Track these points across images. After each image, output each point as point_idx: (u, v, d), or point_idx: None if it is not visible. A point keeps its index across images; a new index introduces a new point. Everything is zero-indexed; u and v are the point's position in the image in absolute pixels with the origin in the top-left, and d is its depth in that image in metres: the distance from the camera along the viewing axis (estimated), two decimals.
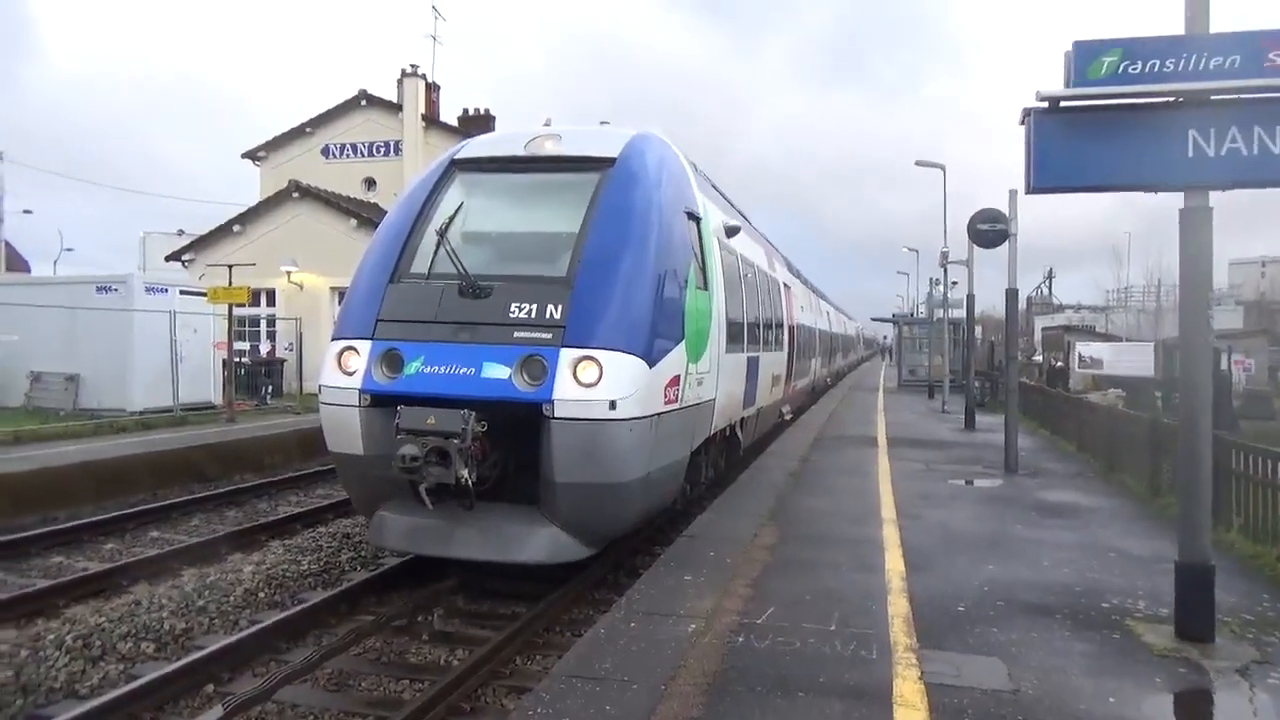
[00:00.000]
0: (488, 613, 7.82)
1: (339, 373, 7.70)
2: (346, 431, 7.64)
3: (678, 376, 7.98)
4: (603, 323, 7.27)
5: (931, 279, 33.98)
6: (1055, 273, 77.06)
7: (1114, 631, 5.70)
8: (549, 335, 7.23)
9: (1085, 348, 32.26)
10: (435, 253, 7.97)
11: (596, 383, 7.03)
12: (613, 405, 7.01)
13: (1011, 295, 13.53)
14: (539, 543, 7.29)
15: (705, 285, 9.10)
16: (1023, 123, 5.58)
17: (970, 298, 19.65)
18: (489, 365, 7.24)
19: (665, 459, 7.96)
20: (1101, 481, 12.04)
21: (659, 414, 7.58)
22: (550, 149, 8.73)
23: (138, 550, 9.90)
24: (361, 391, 7.53)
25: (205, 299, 19.50)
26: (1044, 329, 48.70)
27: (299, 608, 7.55)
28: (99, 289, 18.89)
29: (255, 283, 22.50)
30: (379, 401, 7.50)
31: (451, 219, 8.21)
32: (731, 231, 10.88)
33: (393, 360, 7.55)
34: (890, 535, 8.29)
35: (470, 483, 7.08)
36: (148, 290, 19.07)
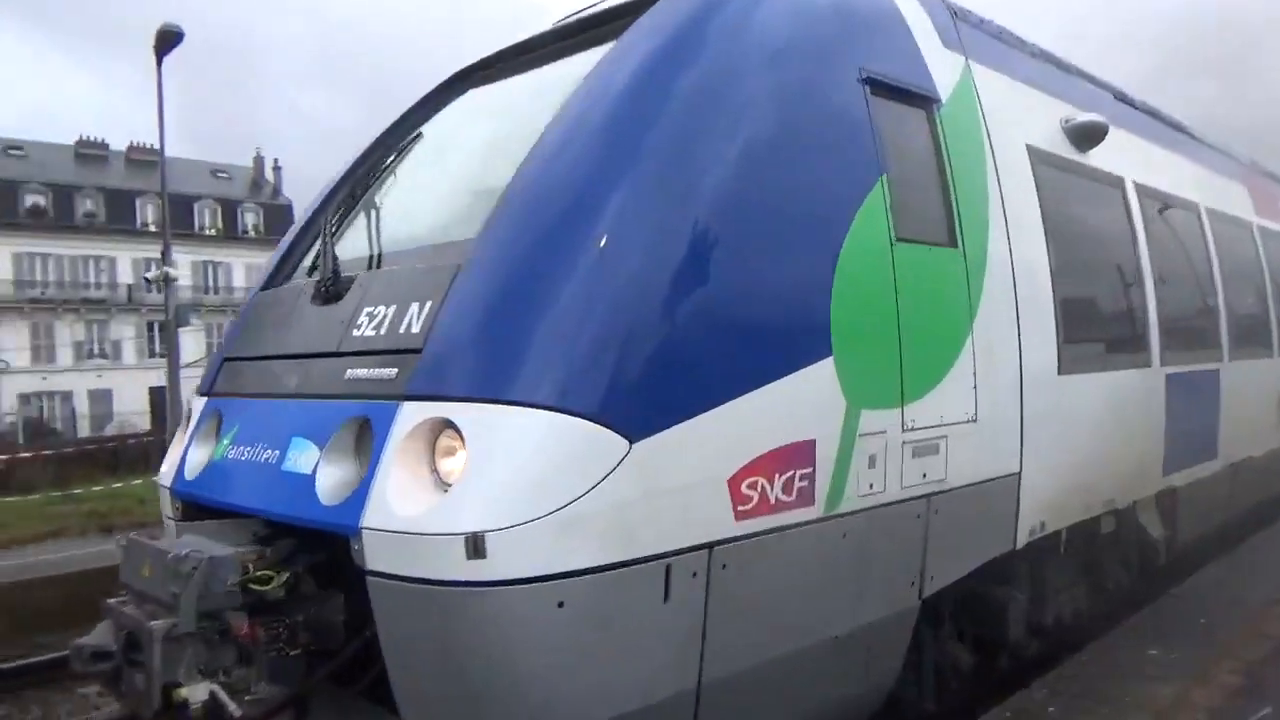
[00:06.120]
0: None
1: (172, 453, 4.89)
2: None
3: (801, 446, 3.82)
4: (503, 335, 3.42)
5: None
6: None
7: None
8: (392, 372, 3.62)
9: None
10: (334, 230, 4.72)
11: (458, 483, 3.23)
12: (476, 546, 3.06)
13: None
14: None
15: (952, 237, 4.78)
16: None
17: None
18: (295, 444, 3.81)
19: (771, 648, 3.82)
20: None
21: (700, 547, 3.48)
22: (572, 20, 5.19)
23: None
24: (171, 492, 4.67)
25: None
26: None
27: None
28: None
29: None
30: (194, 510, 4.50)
31: (385, 168, 5.09)
32: (1091, 134, 6.21)
33: (216, 433, 4.54)
34: None
35: (223, 701, 3.41)
36: None
